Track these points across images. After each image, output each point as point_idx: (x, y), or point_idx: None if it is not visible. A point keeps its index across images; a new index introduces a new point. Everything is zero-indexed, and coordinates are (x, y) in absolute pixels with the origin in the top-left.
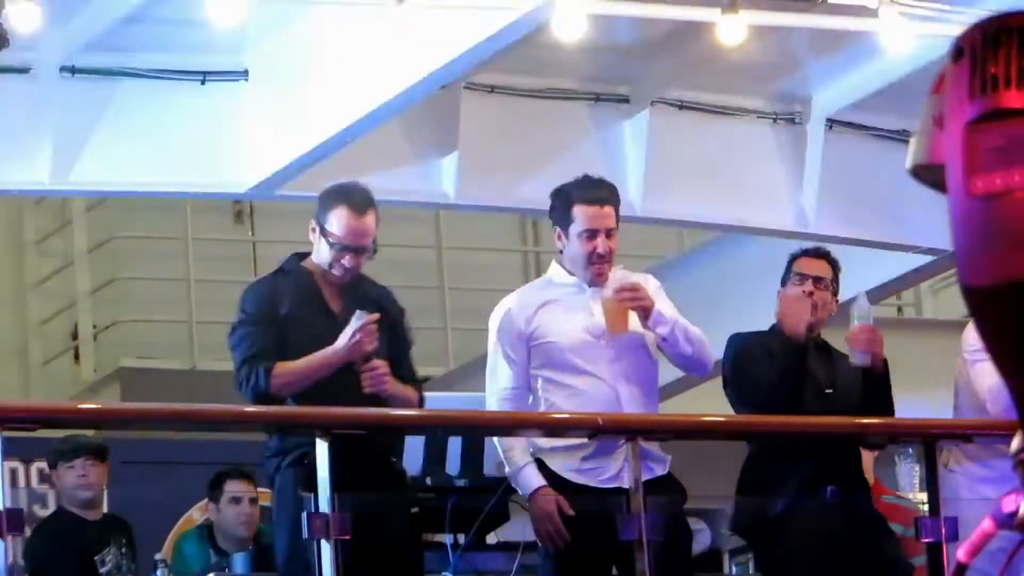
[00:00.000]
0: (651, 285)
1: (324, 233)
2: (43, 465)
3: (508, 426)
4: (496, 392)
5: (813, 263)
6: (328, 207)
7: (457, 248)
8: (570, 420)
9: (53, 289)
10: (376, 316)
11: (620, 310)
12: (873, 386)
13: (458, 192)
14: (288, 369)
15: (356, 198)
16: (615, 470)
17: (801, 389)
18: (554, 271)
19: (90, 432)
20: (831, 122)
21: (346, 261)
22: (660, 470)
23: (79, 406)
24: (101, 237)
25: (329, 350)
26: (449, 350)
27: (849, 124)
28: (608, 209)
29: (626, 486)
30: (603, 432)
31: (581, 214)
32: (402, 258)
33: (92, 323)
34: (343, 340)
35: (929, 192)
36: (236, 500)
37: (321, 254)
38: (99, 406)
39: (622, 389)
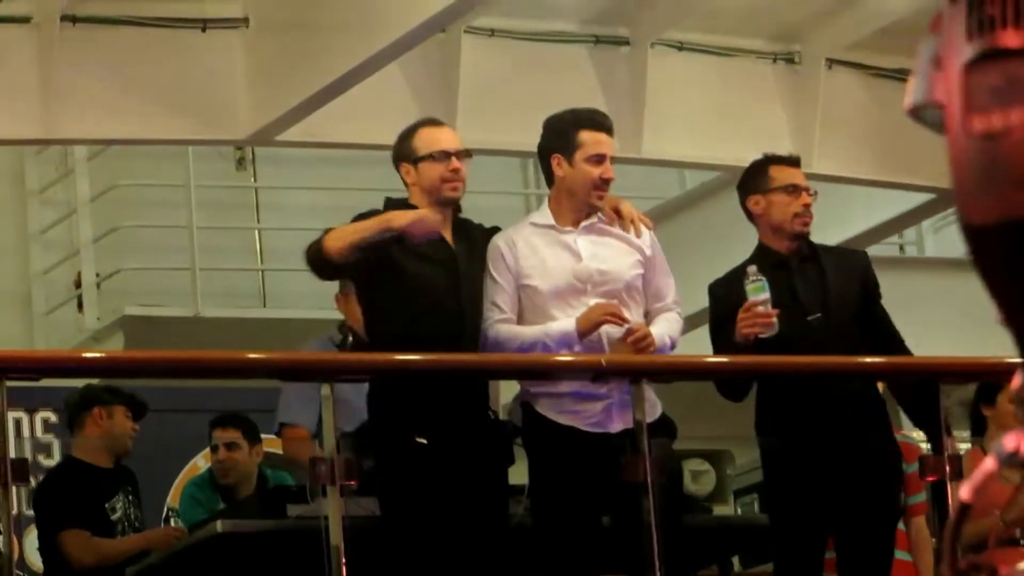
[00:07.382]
0: (646, 236)
1: (418, 160)
2: (48, 415)
3: (511, 368)
4: (491, 318)
5: (800, 173)
6: (408, 137)
7: None
8: (573, 363)
9: (56, 238)
10: None
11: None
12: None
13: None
14: (341, 227)
15: (428, 118)
16: (600, 414)
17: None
18: (538, 214)
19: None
20: (830, 62)
21: (456, 165)
22: (651, 416)
23: (83, 355)
24: (103, 186)
25: (384, 216)
26: None
27: (848, 63)
28: (611, 138)
29: (613, 431)
30: (606, 374)
31: (590, 139)
32: None
33: (95, 272)
34: (407, 215)
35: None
36: (215, 448)
37: (425, 180)
38: (103, 354)
39: (609, 333)
